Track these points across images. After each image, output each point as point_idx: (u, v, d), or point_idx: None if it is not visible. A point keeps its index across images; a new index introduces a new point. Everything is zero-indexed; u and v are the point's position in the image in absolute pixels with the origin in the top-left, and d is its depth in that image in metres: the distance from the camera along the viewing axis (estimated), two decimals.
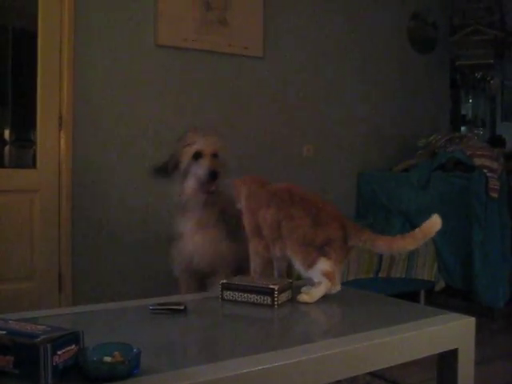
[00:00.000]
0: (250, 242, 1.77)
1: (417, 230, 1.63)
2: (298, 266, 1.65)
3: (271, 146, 3.86)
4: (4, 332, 1.04)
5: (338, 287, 1.67)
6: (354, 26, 4.23)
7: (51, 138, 3.16)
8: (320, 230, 1.63)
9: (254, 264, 1.75)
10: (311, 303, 1.61)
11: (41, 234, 3.13)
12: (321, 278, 1.62)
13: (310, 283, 1.66)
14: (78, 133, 3.19)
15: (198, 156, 2.17)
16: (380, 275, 3.39)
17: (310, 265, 1.62)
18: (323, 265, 1.61)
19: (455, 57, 4.79)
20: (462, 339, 1.46)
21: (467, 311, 1.60)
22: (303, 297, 1.62)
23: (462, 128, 5.17)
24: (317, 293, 1.62)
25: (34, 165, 3.17)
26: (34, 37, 3.12)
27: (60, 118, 3.16)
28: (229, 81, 3.69)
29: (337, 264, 1.63)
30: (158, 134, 3.44)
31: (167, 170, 2.24)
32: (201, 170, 2.14)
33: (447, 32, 4.76)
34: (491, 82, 5.24)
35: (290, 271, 1.84)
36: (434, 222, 1.63)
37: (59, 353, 1.01)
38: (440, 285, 3.68)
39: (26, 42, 3.25)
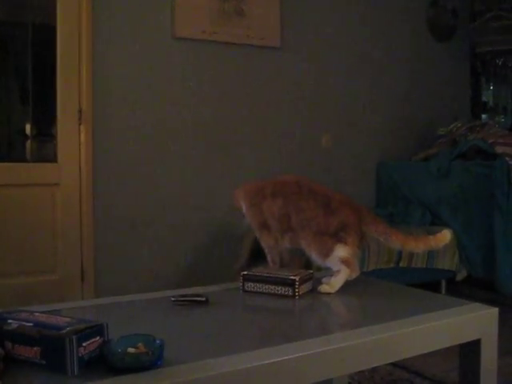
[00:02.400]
0: (260, 236, 1.76)
1: (431, 237, 1.65)
2: (315, 256, 1.66)
3: (289, 136, 3.85)
4: (31, 324, 1.06)
5: (358, 272, 1.67)
6: (373, 15, 4.18)
7: (71, 131, 3.19)
8: (332, 217, 1.63)
9: (271, 255, 1.75)
10: (333, 293, 1.61)
11: (62, 228, 3.16)
12: (339, 265, 1.62)
13: (330, 273, 1.66)
14: (97, 126, 3.22)
15: None
16: (400, 265, 3.38)
17: (327, 254, 1.62)
18: (340, 252, 1.61)
19: (475, 44, 4.71)
20: (484, 330, 1.45)
21: (489, 301, 1.58)
22: (324, 287, 1.62)
23: (483, 116, 5.09)
24: (337, 282, 1.62)
25: (54, 159, 3.21)
26: (53, 32, 3.14)
27: (80, 111, 3.19)
28: (246, 72, 3.69)
29: (354, 248, 1.63)
30: (177, 126, 3.45)
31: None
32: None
33: (467, 19, 4.68)
34: None
35: (298, 262, 1.84)
36: (445, 235, 1.64)
37: (84, 344, 1.03)
38: (461, 274, 3.65)
39: (45, 38, 3.28)
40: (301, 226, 1.67)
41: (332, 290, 1.62)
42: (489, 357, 1.46)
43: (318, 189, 1.73)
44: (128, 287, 3.20)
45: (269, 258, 1.76)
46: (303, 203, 1.68)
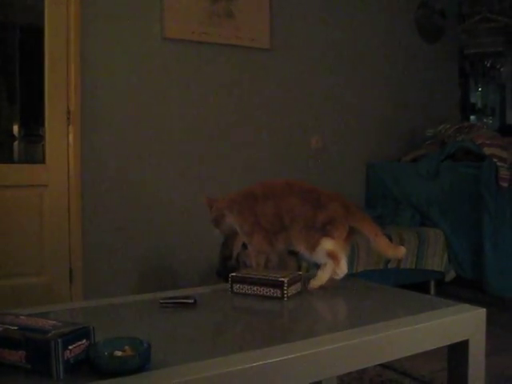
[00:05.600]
0: (252, 239, 1.74)
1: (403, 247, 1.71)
2: (303, 251, 1.67)
3: (279, 137, 3.85)
4: (16, 327, 1.05)
5: (345, 270, 1.68)
6: (362, 16, 4.19)
7: (60, 132, 3.17)
8: (319, 210, 1.65)
9: (258, 259, 1.74)
10: (320, 285, 1.63)
11: (51, 229, 3.14)
12: (325, 259, 1.64)
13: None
14: (86, 127, 3.20)
15: (245, 246, 2.53)
16: (390, 266, 3.38)
17: (314, 247, 1.64)
18: (326, 244, 1.63)
19: (464, 45, 4.74)
20: (472, 330, 1.45)
21: (477, 301, 1.59)
22: (312, 283, 1.64)
23: (472, 117, 5.13)
24: (323, 275, 1.64)
25: (43, 160, 3.19)
26: (41, 33, 3.12)
27: (68, 112, 3.17)
28: (236, 73, 3.68)
29: (340, 242, 1.65)
30: (165, 127, 3.44)
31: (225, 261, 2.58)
32: (247, 258, 2.44)
33: (456, 20, 4.71)
34: (501, 70, 5.19)
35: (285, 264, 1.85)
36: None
37: (70, 347, 1.02)
38: (450, 275, 3.66)
39: (33, 38, 3.26)
40: (291, 223, 1.68)
41: (319, 283, 1.63)
42: (477, 357, 1.47)
43: (307, 186, 1.75)
44: (117, 288, 3.19)
45: (254, 261, 1.75)
46: (293, 201, 1.69)
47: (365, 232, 1.68)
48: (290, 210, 1.68)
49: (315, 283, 1.64)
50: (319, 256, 1.64)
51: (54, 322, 1.09)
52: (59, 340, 1.00)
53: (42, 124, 3.18)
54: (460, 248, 3.61)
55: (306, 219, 1.65)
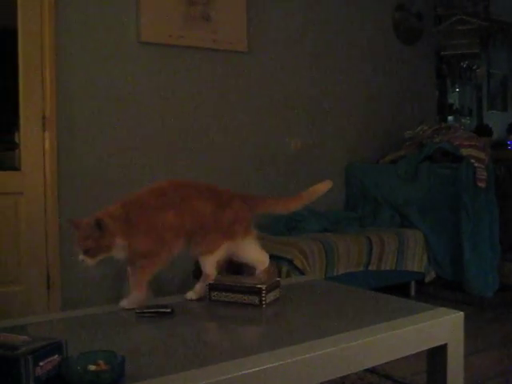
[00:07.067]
0: (159, 257, 1.61)
1: (304, 192, 1.82)
2: (198, 254, 1.64)
3: (258, 140, 3.84)
4: None
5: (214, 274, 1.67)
6: (340, 19, 4.20)
7: (35, 139, 3.12)
8: (227, 210, 1.64)
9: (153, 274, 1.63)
10: (194, 299, 1.63)
11: (27, 237, 3.09)
12: (212, 270, 1.63)
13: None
14: (62, 134, 3.15)
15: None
16: (370, 268, 3.39)
17: (212, 250, 1.62)
18: (222, 252, 1.62)
19: (441, 47, 4.79)
20: (450, 334, 1.46)
21: (457, 302, 1.60)
22: (189, 295, 1.64)
23: (450, 117, 5.18)
24: (201, 288, 1.64)
25: (18, 167, 3.13)
26: (14, 36, 3.07)
27: (43, 118, 3.12)
28: (214, 76, 3.66)
29: (243, 238, 1.66)
30: (143, 132, 3.41)
31: None
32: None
33: (432, 22, 4.75)
34: (477, 71, 5.25)
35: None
36: (319, 186, 1.86)
37: (41, 364, 1.00)
38: (430, 276, 3.69)
39: (6, 42, 3.20)
40: (197, 228, 1.61)
41: (195, 297, 1.64)
42: (455, 360, 1.47)
43: (205, 185, 1.72)
44: (95, 295, 3.14)
45: (147, 277, 1.62)
46: (197, 203, 1.62)
47: (269, 208, 1.74)
48: (195, 214, 1.60)
49: (191, 295, 1.63)
50: (209, 263, 1.62)
51: (25, 337, 1.06)
52: (29, 357, 0.97)
53: (17, 130, 3.13)
54: (439, 249, 3.64)
55: (213, 220, 1.61)
